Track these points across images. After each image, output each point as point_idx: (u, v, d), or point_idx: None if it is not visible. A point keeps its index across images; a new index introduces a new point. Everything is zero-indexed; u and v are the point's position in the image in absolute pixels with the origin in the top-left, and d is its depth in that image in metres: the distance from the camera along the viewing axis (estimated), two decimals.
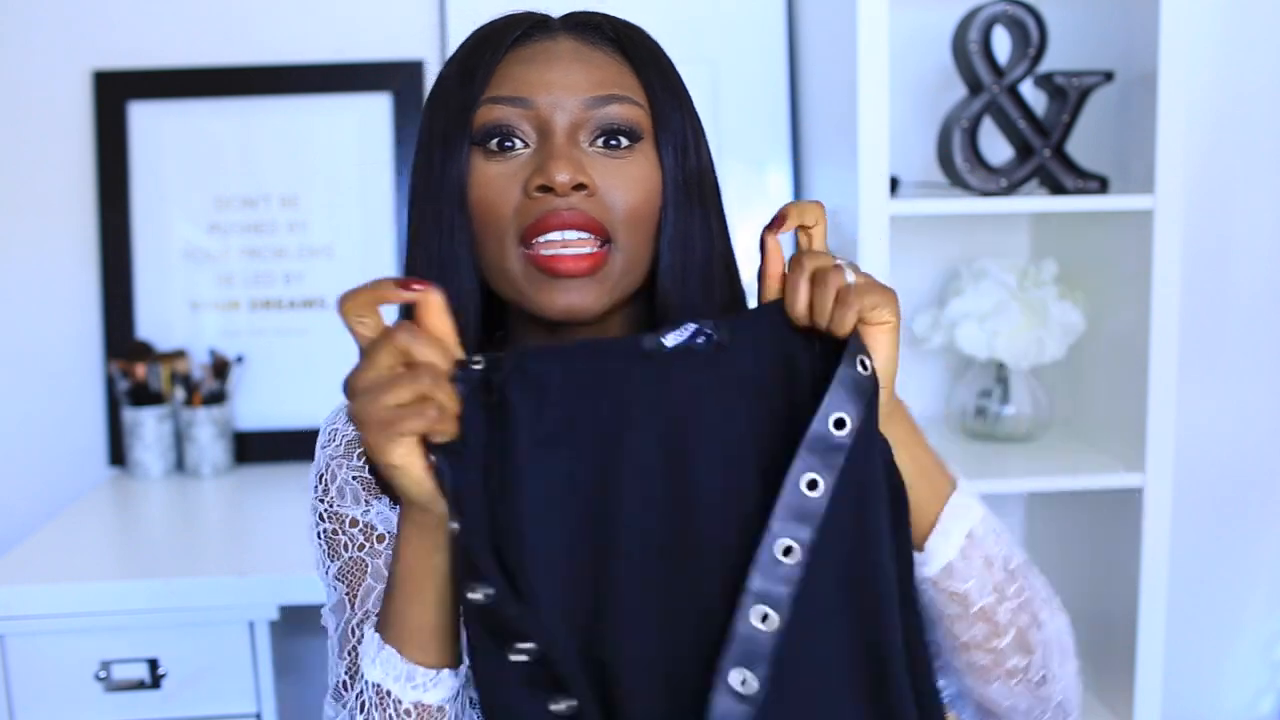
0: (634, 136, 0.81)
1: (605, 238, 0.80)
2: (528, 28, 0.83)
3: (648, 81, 0.83)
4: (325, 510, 0.91)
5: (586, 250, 0.79)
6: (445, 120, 0.81)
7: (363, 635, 0.84)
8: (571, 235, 0.78)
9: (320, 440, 0.93)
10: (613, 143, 0.81)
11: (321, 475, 0.91)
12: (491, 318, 0.88)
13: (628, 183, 0.80)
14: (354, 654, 0.87)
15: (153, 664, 1.43)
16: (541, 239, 0.78)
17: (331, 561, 0.90)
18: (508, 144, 0.80)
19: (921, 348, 1.82)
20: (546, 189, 0.78)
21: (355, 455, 0.90)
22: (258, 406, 1.91)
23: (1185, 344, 1.83)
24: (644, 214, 0.81)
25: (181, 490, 1.80)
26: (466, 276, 0.83)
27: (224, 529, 1.69)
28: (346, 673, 0.87)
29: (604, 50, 0.83)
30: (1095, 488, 1.61)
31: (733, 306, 0.86)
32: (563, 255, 0.78)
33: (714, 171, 0.87)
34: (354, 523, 0.89)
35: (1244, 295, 1.94)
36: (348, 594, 0.88)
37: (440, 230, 0.82)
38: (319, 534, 0.91)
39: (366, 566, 0.89)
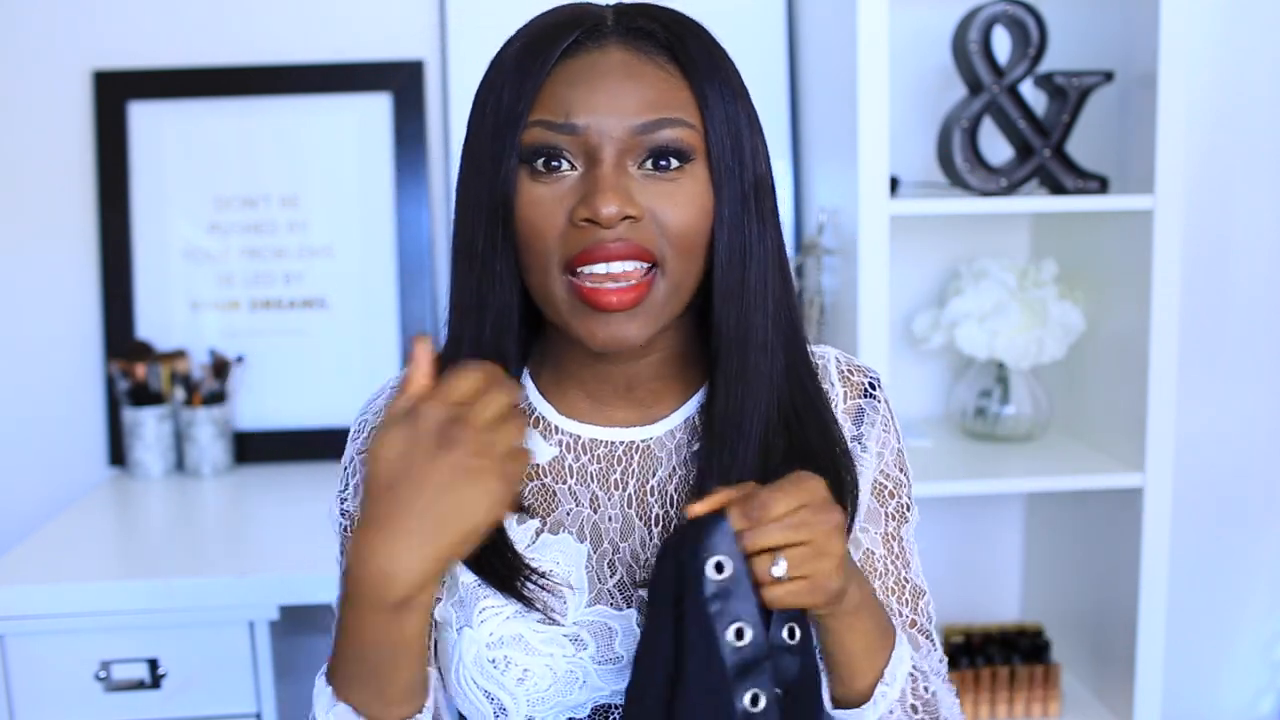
0: (684, 157, 0.79)
1: (652, 262, 0.79)
2: (578, 34, 0.80)
3: (701, 94, 0.80)
4: (342, 508, 0.92)
5: (632, 281, 0.78)
6: (494, 131, 0.80)
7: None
8: (617, 267, 0.78)
9: (351, 433, 0.93)
10: (662, 163, 0.79)
11: (346, 469, 0.92)
12: (529, 325, 0.88)
13: (677, 205, 0.79)
14: None
15: (153, 664, 1.43)
16: (586, 269, 0.78)
17: (343, 557, 0.91)
18: (555, 164, 0.79)
19: (921, 348, 1.82)
20: (592, 220, 0.77)
21: None
22: (258, 406, 1.91)
23: (1185, 344, 1.83)
24: (694, 235, 0.80)
25: (181, 490, 1.80)
26: (508, 290, 0.83)
27: (224, 529, 1.69)
28: None
29: (656, 62, 0.80)
30: (1095, 488, 1.61)
31: (787, 311, 0.86)
32: (607, 289, 0.78)
33: (771, 174, 0.85)
34: None
35: (1244, 295, 1.94)
36: None
37: (485, 242, 0.82)
38: (339, 528, 0.92)
39: None
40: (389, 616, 0.72)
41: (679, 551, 0.73)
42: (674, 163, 0.79)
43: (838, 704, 0.84)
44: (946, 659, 0.95)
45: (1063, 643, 1.83)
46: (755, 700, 0.72)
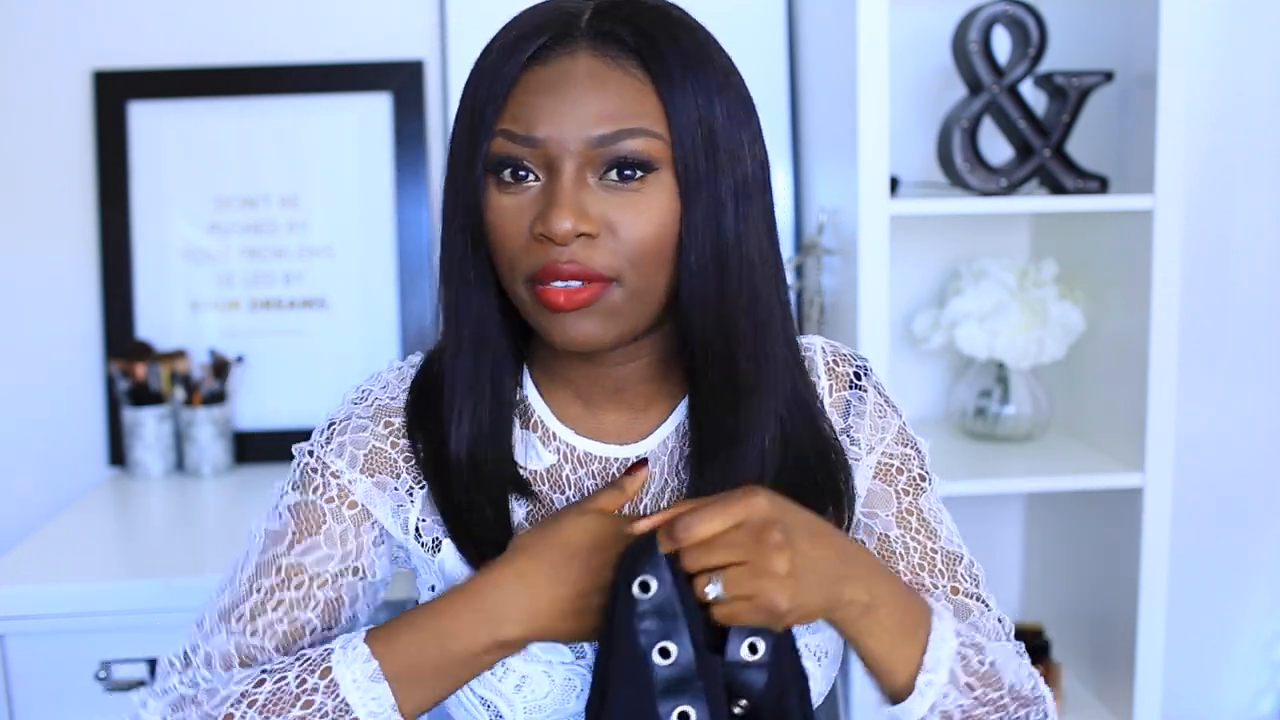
0: (647, 167, 0.78)
1: (605, 283, 0.78)
2: (549, 39, 0.79)
3: (669, 100, 0.78)
4: (317, 448, 0.90)
5: (582, 290, 0.78)
6: (467, 139, 0.81)
7: (281, 588, 0.85)
8: (573, 284, 0.78)
9: (352, 396, 0.93)
10: (626, 173, 0.78)
11: (334, 422, 0.91)
12: (514, 329, 0.88)
13: (638, 216, 0.78)
14: (266, 592, 0.85)
15: (153, 664, 1.42)
16: (543, 285, 0.79)
17: (293, 491, 0.89)
18: (520, 174, 0.79)
19: (921, 348, 1.82)
20: (548, 237, 0.77)
21: (381, 424, 0.90)
22: (258, 406, 1.91)
23: (1185, 344, 1.83)
24: (654, 247, 0.79)
25: (181, 490, 1.80)
26: (487, 296, 0.84)
27: (224, 529, 1.69)
28: (250, 609, 0.85)
29: (624, 68, 0.78)
30: (1095, 488, 1.61)
31: (779, 312, 0.85)
32: (556, 289, 0.78)
33: (764, 169, 0.83)
34: (336, 474, 0.88)
35: (1244, 295, 1.94)
36: (294, 533, 0.87)
37: (462, 249, 0.83)
38: (299, 464, 0.90)
39: (323, 520, 0.87)
40: (483, 643, 0.78)
41: (617, 571, 0.75)
42: (637, 173, 0.78)
43: (891, 699, 0.82)
44: (1006, 617, 0.93)
45: (1063, 643, 1.83)
46: (684, 717, 0.73)
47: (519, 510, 0.88)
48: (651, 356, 0.87)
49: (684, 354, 0.86)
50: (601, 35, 0.79)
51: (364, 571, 0.88)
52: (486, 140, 0.79)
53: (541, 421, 0.90)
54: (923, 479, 0.93)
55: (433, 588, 0.90)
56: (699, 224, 0.79)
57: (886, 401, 0.94)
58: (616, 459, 0.89)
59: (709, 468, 0.84)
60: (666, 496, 0.88)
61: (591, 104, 0.77)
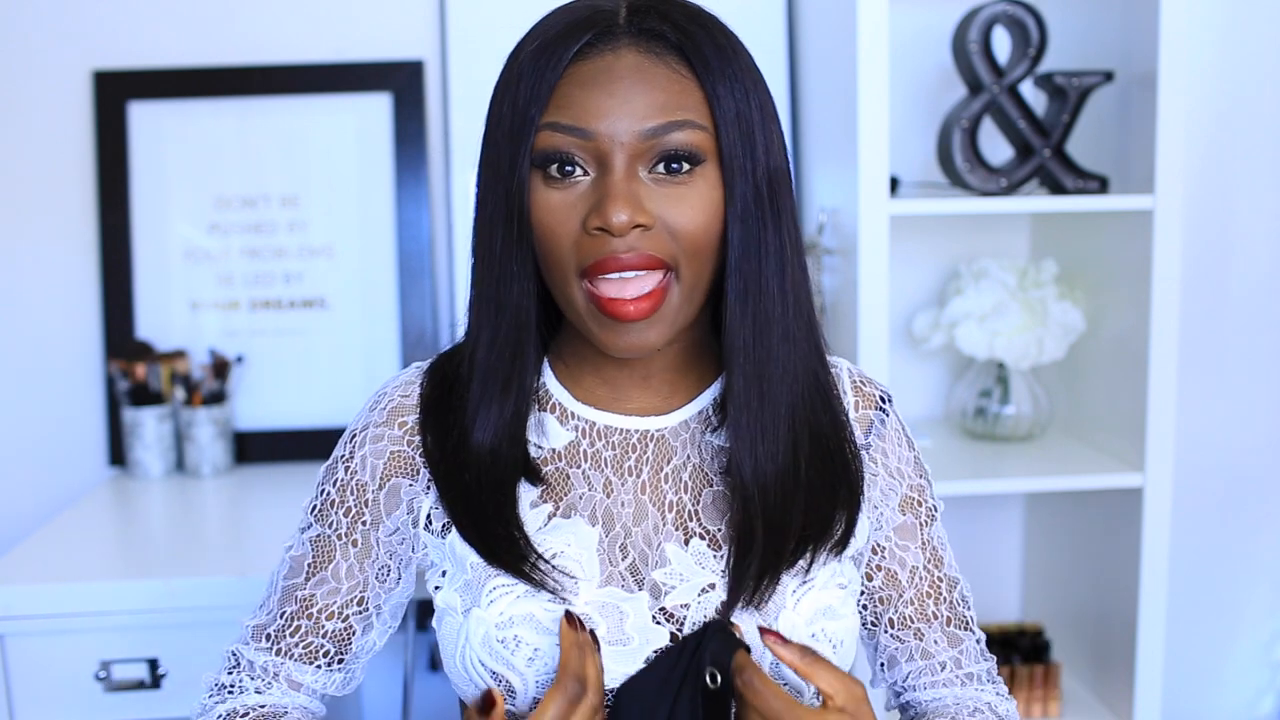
0: (695, 160, 0.80)
1: (666, 269, 0.80)
2: (591, 36, 0.81)
3: (712, 93, 0.81)
4: (340, 468, 0.94)
5: (646, 289, 0.80)
6: (509, 134, 0.81)
7: (298, 616, 0.91)
8: (630, 274, 0.79)
9: (368, 403, 0.95)
10: (674, 167, 0.80)
11: (354, 434, 0.94)
12: (549, 314, 0.90)
13: (689, 209, 0.80)
14: (286, 619, 0.93)
15: (153, 664, 1.43)
16: (601, 277, 0.80)
17: (312, 518, 0.94)
18: (568, 169, 0.80)
19: (921, 348, 1.82)
20: (604, 229, 0.78)
21: (396, 425, 0.92)
22: (258, 406, 1.91)
23: (1185, 344, 1.83)
24: (706, 237, 0.81)
25: (181, 490, 1.80)
26: (525, 290, 0.85)
27: (224, 529, 1.69)
28: (274, 631, 0.93)
29: (667, 64, 0.81)
30: (1095, 488, 1.61)
31: (806, 303, 0.87)
32: (623, 299, 0.79)
33: (786, 165, 0.85)
34: (347, 511, 0.92)
35: (1244, 295, 1.94)
36: (310, 565, 0.93)
37: (502, 243, 0.83)
38: (321, 489, 0.94)
39: (334, 556, 0.92)
40: None
41: (699, 642, 0.82)
42: (685, 166, 0.80)
43: None
44: (983, 635, 0.98)
45: (1063, 643, 1.83)
46: None
47: (529, 493, 0.89)
48: (681, 345, 0.90)
49: (710, 341, 0.90)
50: (644, 32, 0.81)
51: (368, 604, 0.93)
52: (532, 136, 0.80)
53: (560, 403, 0.92)
54: (935, 509, 0.97)
55: (444, 573, 0.91)
56: (740, 214, 0.82)
57: (904, 431, 0.98)
58: (636, 430, 0.91)
59: (741, 455, 0.86)
60: (687, 472, 0.90)
61: (640, 97, 0.79)
